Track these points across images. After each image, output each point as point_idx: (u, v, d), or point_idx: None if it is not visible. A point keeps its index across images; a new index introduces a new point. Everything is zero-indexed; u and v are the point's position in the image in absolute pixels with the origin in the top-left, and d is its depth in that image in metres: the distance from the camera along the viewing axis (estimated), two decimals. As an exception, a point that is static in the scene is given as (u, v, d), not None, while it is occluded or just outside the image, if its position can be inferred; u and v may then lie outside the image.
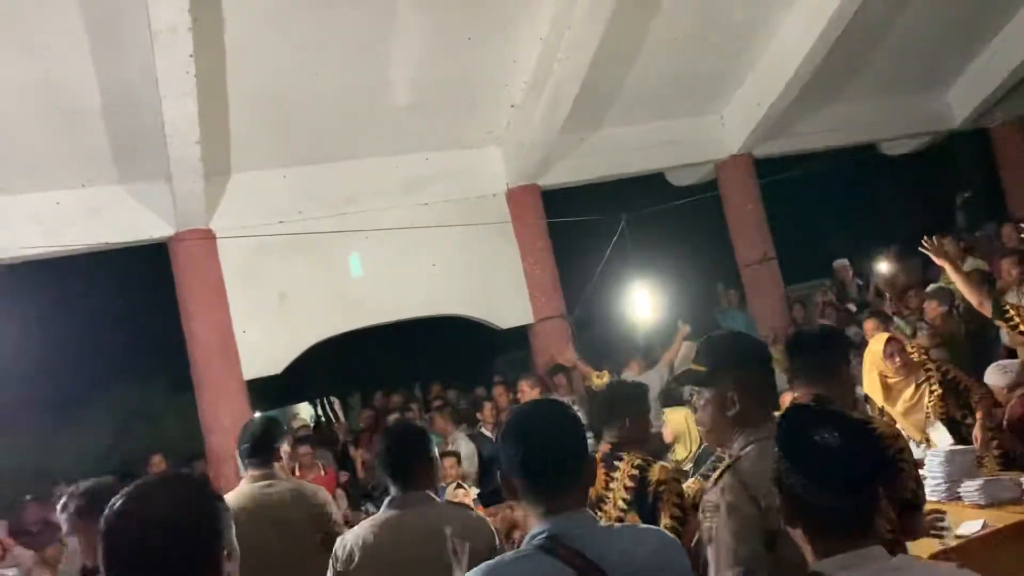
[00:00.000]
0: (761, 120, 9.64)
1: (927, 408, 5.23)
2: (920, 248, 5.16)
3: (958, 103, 11.29)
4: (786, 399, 4.56)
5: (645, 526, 2.09)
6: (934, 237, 5.10)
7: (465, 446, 7.67)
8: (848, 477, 1.64)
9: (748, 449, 2.21)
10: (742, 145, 10.00)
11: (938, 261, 5.19)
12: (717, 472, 2.24)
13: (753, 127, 9.75)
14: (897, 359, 5.22)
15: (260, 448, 3.57)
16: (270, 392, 13.11)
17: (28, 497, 8.24)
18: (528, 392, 7.57)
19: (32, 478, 9.94)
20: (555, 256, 9.38)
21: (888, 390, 5.32)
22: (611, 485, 3.48)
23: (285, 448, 3.71)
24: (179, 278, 8.07)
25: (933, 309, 7.50)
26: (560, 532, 1.76)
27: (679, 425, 6.30)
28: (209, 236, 7.98)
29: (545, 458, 1.82)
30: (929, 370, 5.30)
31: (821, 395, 2.65)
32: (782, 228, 10.48)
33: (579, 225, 9.44)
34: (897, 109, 10.91)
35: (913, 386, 5.26)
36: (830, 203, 12.93)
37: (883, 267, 9.44)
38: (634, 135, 9.52)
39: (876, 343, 5.42)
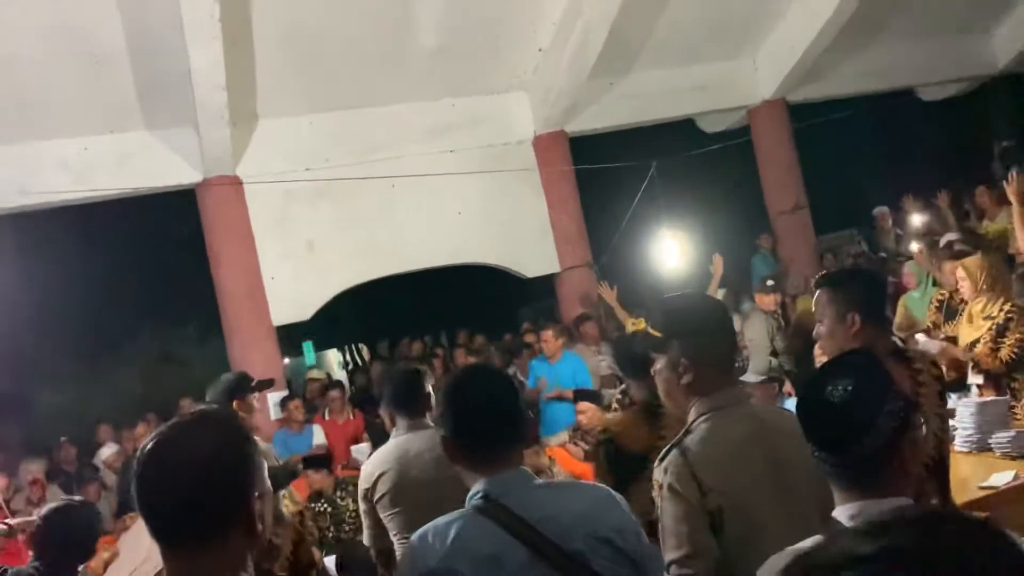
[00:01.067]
0: (795, 64, 9.39)
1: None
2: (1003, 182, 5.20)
3: (1001, 47, 10.94)
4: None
5: (584, 482, 2.15)
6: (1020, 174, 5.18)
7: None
8: (834, 435, 1.61)
9: (699, 422, 2.15)
10: (775, 90, 9.77)
11: (1013, 199, 5.25)
12: (666, 447, 2.17)
13: (787, 72, 9.51)
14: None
15: (410, 398, 3.51)
16: (298, 338, 13.28)
17: (64, 439, 8.46)
18: (551, 341, 7.54)
19: (68, 421, 10.18)
20: (582, 204, 9.30)
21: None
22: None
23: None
24: (207, 225, 8.11)
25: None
26: (495, 492, 1.82)
27: None
28: (236, 182, 7.99)
29: (481, 421, 1.89)
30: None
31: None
32: (815, 176, 10.29)
33: (607, 172, 9.33)
34: (936, 53, 10.57)
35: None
36: (865, 150, 12.66)
37: (915, 217, 9.26)
38: (664, 80, 9.33)
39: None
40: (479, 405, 1.91)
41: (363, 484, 3.38)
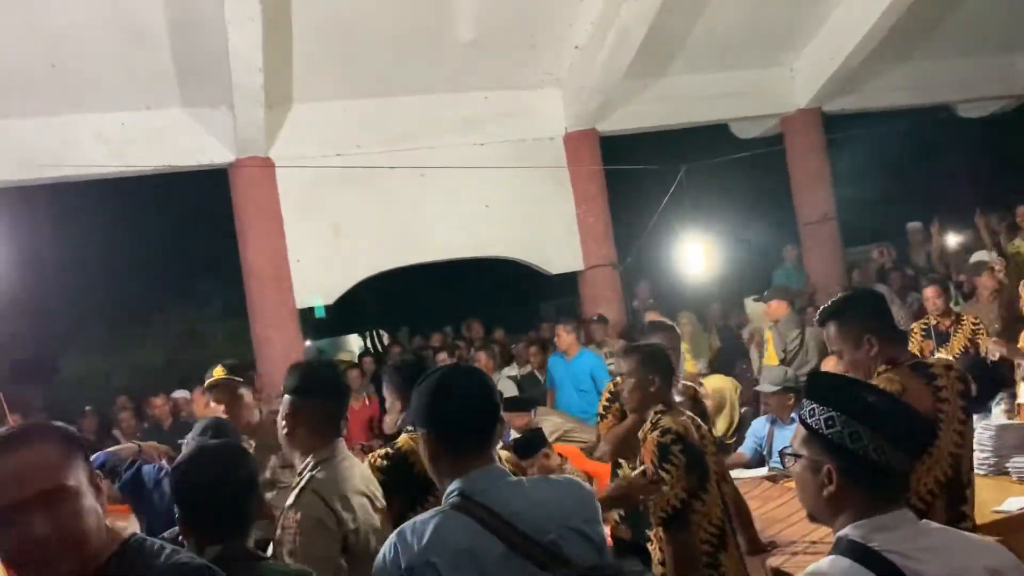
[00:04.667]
0: (833, 75, 9.32)
1: None
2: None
3: (1042, 66, 10.78)
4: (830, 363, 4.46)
5: (558, 476, 2.23)
6: None
7: (506, 386, 7.73)
8: (920, 437, 1.76)
9: (318, 469, 2.47)
10: (811, 99, 9.70)
11: None
12: (295, 491, 2.44)
13: (824, 81, 9.44)
14: None
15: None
16: (321, 322, 13.38)
17: (88, 408, 8.59)
18: (564, 336, 7.56)
19: (90, 390, 10.34)
20: (609, 204, 9.29)
21: None
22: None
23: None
24: (237, 205, 8.19)
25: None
26: (471, 489, 1.88)
27: (721, 392, 6.06)
28: (268, 164, 8.07)
29: (467, 419, 1.94)
30: None
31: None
32: (846, 188, 10.20)
33: (636, 173, 9.31)
34: (975, 70, 10.42)
35: None
36: (899, 165, 12.51)
37: (942, 236, 9.18)
38: (699, 84, 9.28)
39: None
40: (465, 403, 1.95)
41: None
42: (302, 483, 2.47)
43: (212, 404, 4.21)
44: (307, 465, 2.54)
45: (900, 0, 8.28)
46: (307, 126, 8.20)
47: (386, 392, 3.25)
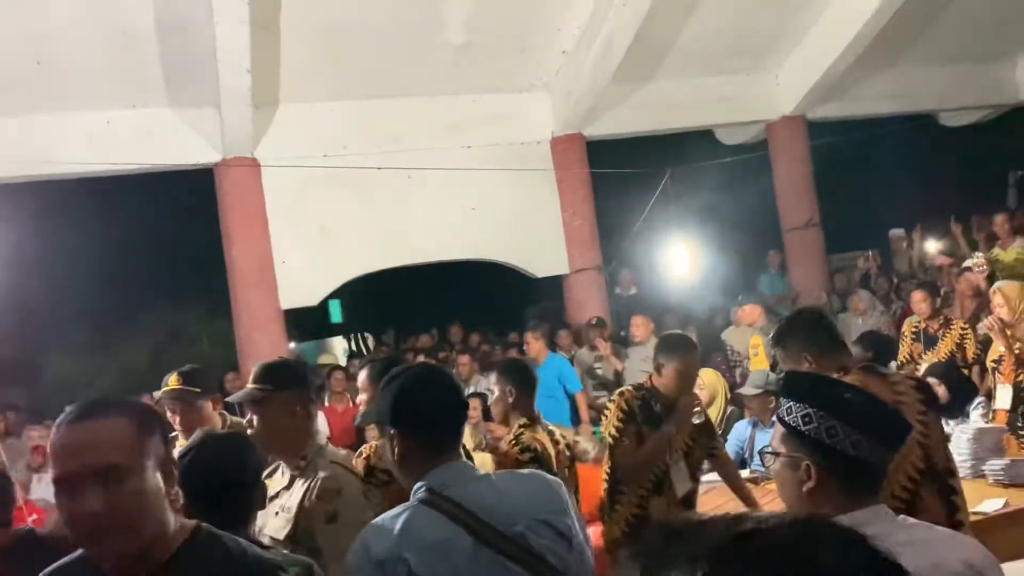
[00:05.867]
0: (817, 82, 9.40)
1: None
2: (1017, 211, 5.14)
3: (1024, 76, 10.92)
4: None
5: (524, 471, 2.28)
6: None
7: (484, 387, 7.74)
8: (896, 430, 1.76)
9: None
10: (796, 106, 9.78)
11: None
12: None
13: (809, 88, 9.53)
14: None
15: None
16: (306, 324, 13.36)
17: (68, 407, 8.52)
18: (532, 343, 7.59)
19: (74, 390, 10.28)
20: (595, 208, 9.34)
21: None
22: None
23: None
24: (223, 205, 8.18)
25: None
26: (438, 484, 1.91)
27: (713, 385, 6.14)
28: (254, 165, 8.07)
29: (428, 418, 1.97)
30: None
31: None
32: (830, 195, 10.29)
33: (622, 177, 9.36)
34: (960, 79, 10.55)
35: None
36: (882, 172, 12.64)
37: (925, 243, 9.30)
38: (686, 90, 9.35)
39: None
40: (433, 401, 1.99)
41: None
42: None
43: (168, 414, 3.75)
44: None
45: (885, 8, 8.37)
46: (294, 127, 8.21)
47: (360, 383, 3.25)
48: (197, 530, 1.50)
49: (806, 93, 9.59)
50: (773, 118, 9.93)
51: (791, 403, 1.75)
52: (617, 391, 3.85)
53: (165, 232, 11.97)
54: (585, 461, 5.28)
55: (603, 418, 3.86)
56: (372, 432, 5.48)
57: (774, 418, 2.03)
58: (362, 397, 3.25)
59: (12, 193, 8.68)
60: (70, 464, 1.37)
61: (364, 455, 3.01)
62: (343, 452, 2.84)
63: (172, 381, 3.71)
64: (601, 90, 8.60)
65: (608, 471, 3.76)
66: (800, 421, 1.71)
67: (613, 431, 3.69)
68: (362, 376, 3.24)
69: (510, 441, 3.26)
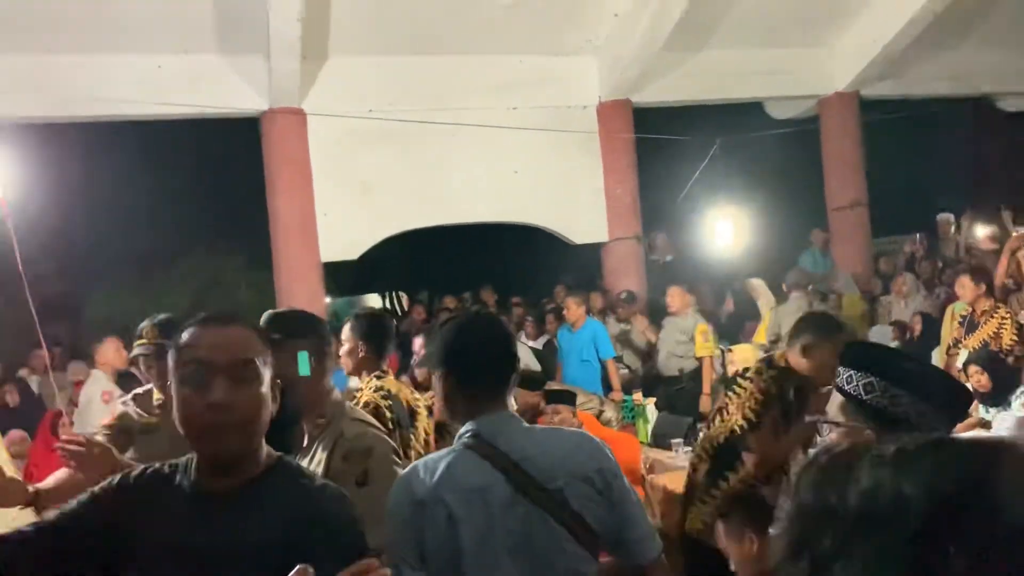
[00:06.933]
0: (874, 59, 9.18)
1: None
2: None
3: (1091, 63, 10.55)
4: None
5: (567, 428, 2.19)
6: None
7: (525, 355, 7.74)
8: (959, 401, 1.75)
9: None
10: (850, 83, 9.57)
11: None
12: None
13: (864, 65, 9.30)
14: None
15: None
16: (343, 279, 13.44)
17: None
18: (574, 309, 7.55)
19: (113, 330, 10.43)
20: (639, 176, 9.24)
21: None
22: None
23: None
24: (268, 155, 8.22)
25: None
26: (484, 431, 1.91)
27: (748, 362, 6.14)
28: (301, 116, 8.08)
29: (479, 363, 1.98)
30: None
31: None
32: (880, 175, 10.07)
33: (667, 147, 9.24)
34: (1018, 63, 10.23)
35: None
36: (932, 154, 12.33)
37: (976, 229, 9.07)
38: (738, 60, 9.17)
39: None
40: (483, 346, 1.99)
41: None
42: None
43: (144, 370, 3.23)
44: None
45: (948, -14, 8.13)
46: (342, 80, 8.20)
47: (344, 336, 3.29)
48: (280, 457, 1.56)
49: (862, 70, 9.37)
50: (826, 93, 9.72)
51: (851, 372, 1.71)
52: (753, 370, 3.49)
53: (209, 180, 12.06)
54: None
55: (730, 397, 3.46)
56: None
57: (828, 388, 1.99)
58: (344, 349, 3.28)
59: (60, 133, 8.80)
60: (209, 355, 1.44)
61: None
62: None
63: (148, 334, 3.19)
64: (651, 56, 8.46)
65: (713, 453, 3.46)
66: (862, 390, 1.68)
67: (750, 414, 3.33)
68: (345, 329, 3.30)
69: (368, 384, 3.24)
